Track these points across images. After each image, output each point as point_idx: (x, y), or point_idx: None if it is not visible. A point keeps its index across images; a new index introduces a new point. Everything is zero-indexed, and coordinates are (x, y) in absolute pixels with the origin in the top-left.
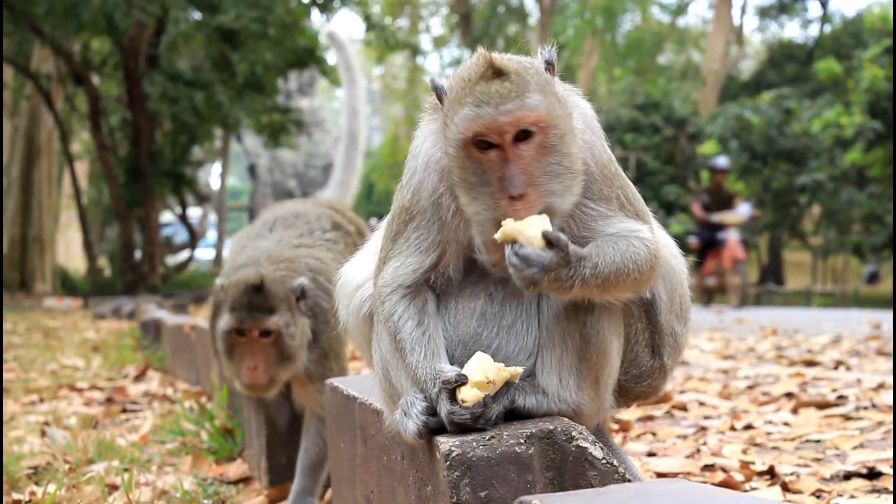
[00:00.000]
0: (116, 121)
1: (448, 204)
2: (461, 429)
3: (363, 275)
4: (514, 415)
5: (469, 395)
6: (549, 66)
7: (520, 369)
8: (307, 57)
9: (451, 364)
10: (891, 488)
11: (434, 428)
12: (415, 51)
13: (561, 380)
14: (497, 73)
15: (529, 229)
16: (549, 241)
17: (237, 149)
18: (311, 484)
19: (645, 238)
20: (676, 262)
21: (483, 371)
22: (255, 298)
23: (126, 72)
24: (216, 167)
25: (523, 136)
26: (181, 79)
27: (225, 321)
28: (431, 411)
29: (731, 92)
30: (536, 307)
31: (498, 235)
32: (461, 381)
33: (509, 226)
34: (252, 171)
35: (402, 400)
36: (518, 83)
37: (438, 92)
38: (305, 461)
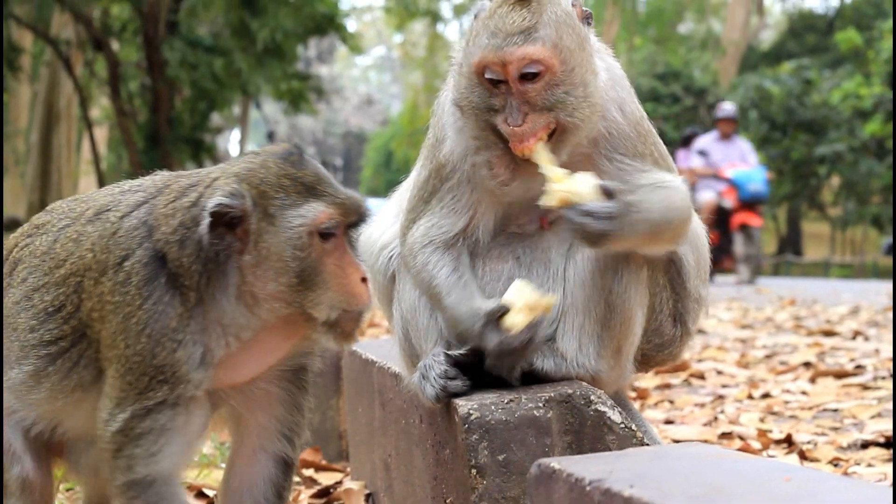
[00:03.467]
0: (136, 87)
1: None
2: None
3: (388, 235)
4: (532, 378)
5: (516, 320)
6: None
7: (554, 297)
8: (327, 24)
9: None
10: None
11: (452, 392)
12: (435, 18)
13: (581, 346)
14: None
15: (581, 187)
16: (607, 192)
17: (256, 115)
18: None
19: (679, 187)
20: (700, 227)
21: (523, 298)
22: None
23: (145, 38)
24: (235, 134)
25: (531, 76)
26: (201, 45)
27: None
28: (450, 375)
29: (752, 62)
30: (563, 273)
31: (552, 203)
32: (504, 310)
33: (559, 190)
34: (271, 137)
35: (420, 363)
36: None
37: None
38: None
